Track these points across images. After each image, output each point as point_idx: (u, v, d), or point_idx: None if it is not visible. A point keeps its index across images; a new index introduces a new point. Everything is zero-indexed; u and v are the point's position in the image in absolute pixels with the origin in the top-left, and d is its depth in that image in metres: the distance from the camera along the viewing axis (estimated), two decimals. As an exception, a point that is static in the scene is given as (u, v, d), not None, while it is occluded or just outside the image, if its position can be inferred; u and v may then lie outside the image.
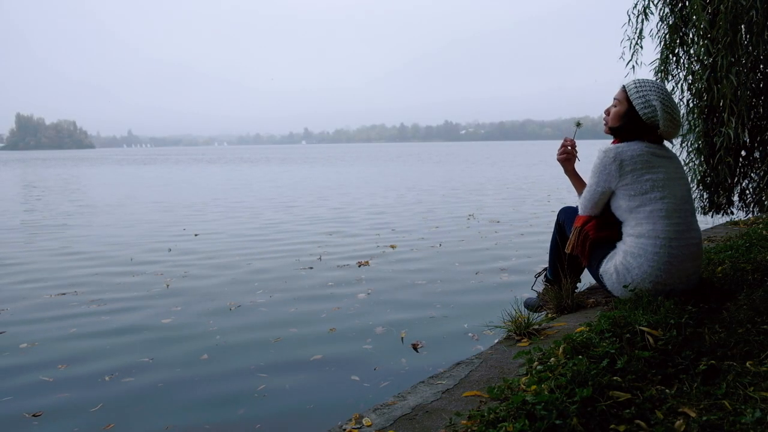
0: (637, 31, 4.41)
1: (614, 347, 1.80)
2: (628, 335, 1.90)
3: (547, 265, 3.01)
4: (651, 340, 1.87)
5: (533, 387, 1.63)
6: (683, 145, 4.51)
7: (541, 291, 3.02)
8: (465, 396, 1.83)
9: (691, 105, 4.33)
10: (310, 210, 10.34)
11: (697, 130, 4.32)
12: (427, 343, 3.24)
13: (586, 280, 2.99)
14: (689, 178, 4.14)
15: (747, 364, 1.75)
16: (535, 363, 1.85)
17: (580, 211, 2.65)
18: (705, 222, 4.73)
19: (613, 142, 2.54)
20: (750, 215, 5.01)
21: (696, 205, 4.48)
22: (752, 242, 3.49)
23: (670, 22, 4.24)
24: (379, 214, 9.53)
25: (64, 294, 4.56)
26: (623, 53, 4.46)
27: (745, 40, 3.83)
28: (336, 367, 2.94)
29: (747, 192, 4.62)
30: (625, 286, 2.41)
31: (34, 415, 2.49)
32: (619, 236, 2.53)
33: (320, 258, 5.79)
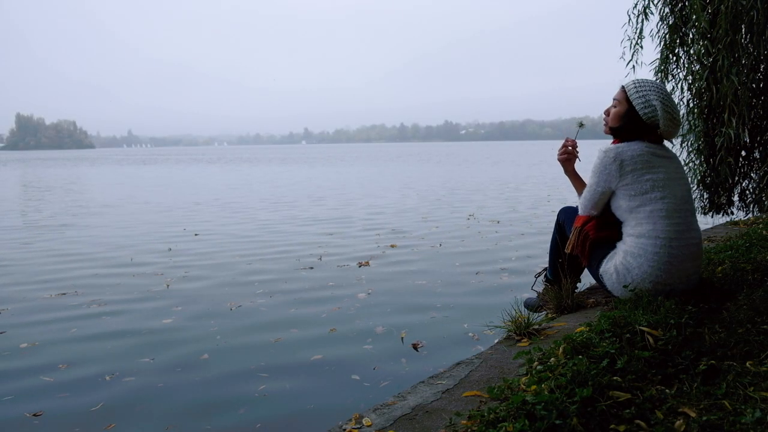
0: (637, 31, 4.40)
1: (614, 347, 1.80)
2: (628, 335, 1.91)
3: (547, 265, 3.01)
4: (651, 340, 1.88)
5: (533, 387, 1.63)
6: (683, 145, 4.51)
7: (541, 291, 3.02)
8: (465, 396, 1.83)
9: (691, 105, 4.33)
10: (310, 210, 10.34)
11: (697, 130, 4.31)
12: (427, 343, 3.25)
13: (586, 280, 3.00)
14: (689, 178, 4.14)
15: (747, 364, 1.75)
16: (535, 363, 1.86)
17: (580, 211, 2.65)
18: (705, 222, 4.73)
19: (613, 142, 2.55)
20: (750, 215, 5.01)
21: (696, 205, 4.47)
22: (752, 242, 3.49)
23: (670, 22, 4.24)
24: (379, 214, 9.53)
25: (64, 294, 4.56)
26: (623, 53, 4.46)
27: (746, 40, 3.83)
28: (336, 367, 2.94)
29: (747, 192, 4.62)
30: (625, 286, 2.41)
31: (34, 415, 2.49)
32: (619, 236, 2.53)
33: (320, 258, 5.79)
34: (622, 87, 2.53)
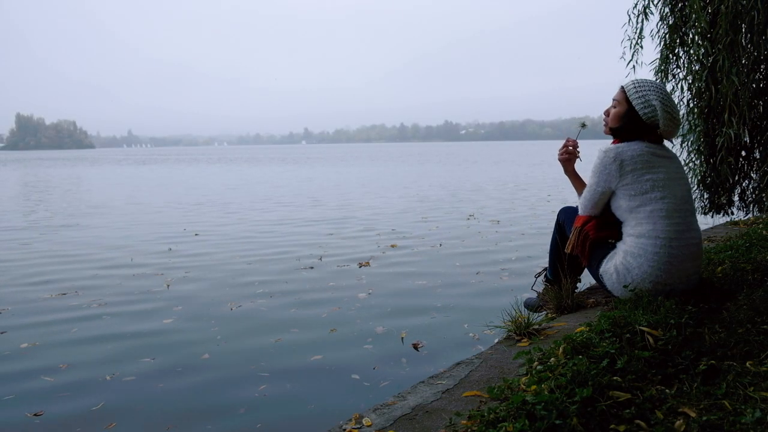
0: (637, 31, 4.40)
1: (614, 347, 1.80)
2: (628, 335, 1.91)
3: (547, 265, 3.01)
4: (651, 340, 1.88)
5: (533, 387, 1.63)
6: (683, 145, 4.51)
7: (541, 291, 3.02)
8: (465, 396, 1.84)
9: (691, 105, 4.33)
10: (310, 210, 10.34)
11: (697, 130, 4.32)
12: (427, 343, 3.25)
13: (586, 280, 3.00)
14: (690, 178, 4.14)
15: (747, 364, 1.75)
16: (535, 363, 1.86)
17: (580, 211, 2.65)
18: (705, 222, 4.73)
19: (613, 143, 2.55)
20: (750, 215, 5.01)
21: (696, 205, 4.47)
22: (752, 242, 3.49)
23: (670, 22, 4.24)
24: (380, 214, 9.53)
25: (64, 294, 4.56)
26: (623, 53, 4.46)
27: (746, 40, 3.83)
28: (336, 368, 2.94)
29: (747, 192, 4.62)
30: (625, 286, 2.42)
31: (35, 415, 2.50)
32: (619, 236, 2.54)
33: (321, 258, 5.79)
34: (622, 87, 2.53)
